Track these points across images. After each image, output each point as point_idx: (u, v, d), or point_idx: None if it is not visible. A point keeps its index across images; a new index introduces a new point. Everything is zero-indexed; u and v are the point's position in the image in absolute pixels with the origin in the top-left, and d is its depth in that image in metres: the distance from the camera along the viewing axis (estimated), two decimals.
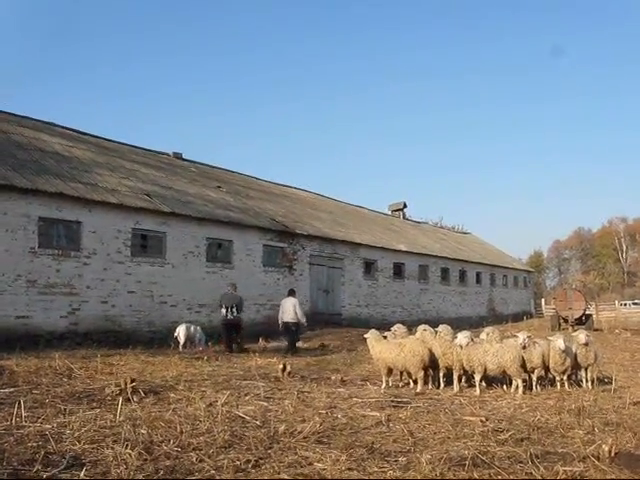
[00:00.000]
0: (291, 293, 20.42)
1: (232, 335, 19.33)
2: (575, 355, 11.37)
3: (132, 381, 9.59)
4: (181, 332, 19.68)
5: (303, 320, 19.44)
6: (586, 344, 11.24)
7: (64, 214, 19.64)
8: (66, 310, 19.45)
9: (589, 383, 11.46)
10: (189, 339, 19.83)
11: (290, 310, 19.24)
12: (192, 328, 20.16)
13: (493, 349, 10.61)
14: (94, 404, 8.57)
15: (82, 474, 5.19)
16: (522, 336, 10.94)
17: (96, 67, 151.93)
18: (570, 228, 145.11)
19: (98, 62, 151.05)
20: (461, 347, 10.53)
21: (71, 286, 19.63)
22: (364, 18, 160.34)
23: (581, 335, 11.55)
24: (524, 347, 10.75)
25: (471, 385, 11.12)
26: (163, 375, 12.17)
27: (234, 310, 19.24)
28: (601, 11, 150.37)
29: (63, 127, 27.64)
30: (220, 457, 5.82)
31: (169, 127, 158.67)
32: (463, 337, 10.60)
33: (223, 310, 19.31)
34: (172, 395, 9.57)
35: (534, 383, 11.14)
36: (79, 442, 6.24)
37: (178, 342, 19.49)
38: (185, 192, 26.40)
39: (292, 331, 19.26)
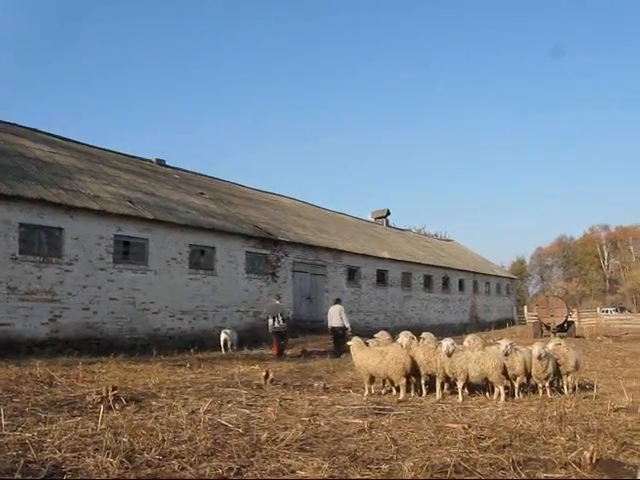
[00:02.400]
0: (337, 301, 22.45)
1: (281, 342, 21.22)
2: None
3: (114, 389, 9.55)
4: (228, 335, 22.55)
5: (347, 325, 20.99)
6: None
7: (45, 220, 19.49)
8: (47, 317, 19.28)
9: (569, 389, 11.55)
10: (230, 340, 22.54)
11: (337, 316, 21.13)
12: (230, 332, 22.88)
13: (475, 356, 10.64)
14: (75, 412, 8.51)
15: None
16: (504, 343, 10.99)
17: (80, 74, 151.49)
18: (552, 236, 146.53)
19: (82, 69, 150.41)
20: (449, 355, 10.55)
21: (52, 293, 19.47)
22: (353, 27, 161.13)
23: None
24: (506, 354, 10.81)
25: (454, 392, 11.13)
26: (145, 383, 12.11)
27: (280, 319, 21.00)
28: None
29: (45, 133, 27.45)
30: (202, 465, 5.79)
31: (152, 134, 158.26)
32: (450, 344, 10.61)
33: (270, 320, 21.16)
34: (154, 403, 9.53)
35: (516, 390, 11.19)
36: (60, 451, 6.19)
37: (225, 344, 22.35)
38: (168, 199, 26.31)
39: (339, 335, 20.56)
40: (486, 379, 10.78)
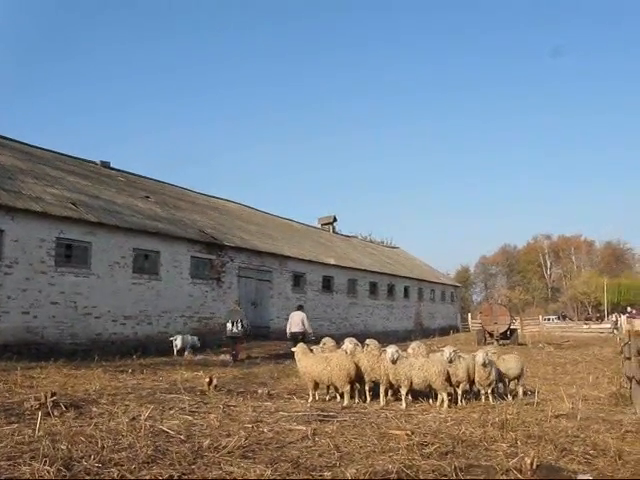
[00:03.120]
0: (300, 308, 23.14)
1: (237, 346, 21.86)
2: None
3: (53, 395, 9.34)
4: (178, 341, 22.96)
5: (310, 331, 21.68)
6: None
7: None
8: None
9: (504, 396, 11.75)
10: (184, 346, 23.02)
11: (298, 322, 21.72)
12: (188, 337, 23.60)
13: (419, 363, 10.71)
14: (12, 419, 8.28)
15: None
16: (448, 350, 11.10)
17: (28, 72, 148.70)
18: (496, 244, 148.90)
19: (29, 67, 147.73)
20: (393, 362, 10.59)
21: None
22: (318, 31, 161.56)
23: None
24: (451, 361, 10.92)
25: (398, 399, 11.19)
26: (86, 388, 11.90)
27: (239, 325, 21.54)
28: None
29: None
30: (142, 473, 5.69)
31: (97, 135, 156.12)
32: (394, 351, 10.65)
33: (229, 325, 21.62)
34: (94, 409, 9.34)
35: (459, 397, 11.30)
36: None
37: (174, 349, 22.77)
38: (112, 202, 25.92)
39: (298, 340, 19.96)
40: (429, 386, 10.86)
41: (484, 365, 11.09)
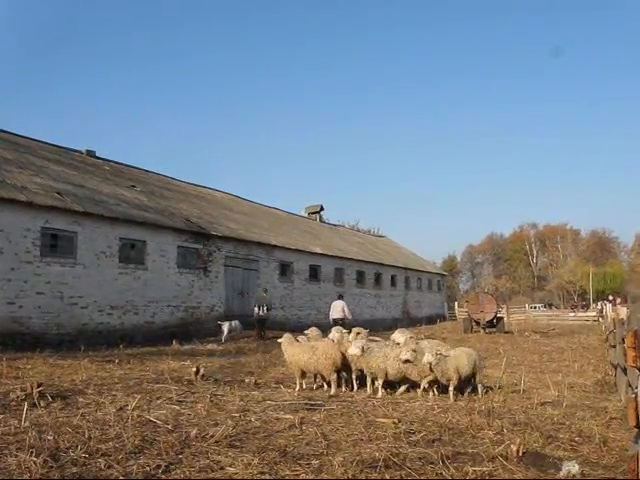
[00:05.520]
0: (340, 297, 26.20)
1: (262, 328, 25.63)
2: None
3: (39, 385, 9.30)
4: (225, 326, 24.81)
5: (350, 317, 24.57)
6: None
7: None
8: None
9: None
10: (231, 331, 24.91)
11: (339, 310, 24.62)
12: (233, 323, 25.39)
13: (394, 354, 10.57)
14: None
15: None
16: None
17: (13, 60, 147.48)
18: (483, 233, 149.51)
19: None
20: (358, 355, 10.54)
21: None
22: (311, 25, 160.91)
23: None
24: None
25: (386, 387, 11.14)
26: (72, 379, 11.85)
27: (264, 308, 25.64)
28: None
29: None
30: (129, 463, 5.69)
31: (82, 124, 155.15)
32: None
33: (256, 309, 25.71)
34: (81, 399, 9.31)
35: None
36: None
37: (222, 333, 24.68)
38: (98, 191, 25.77)
39: (340, 326, 20.34)
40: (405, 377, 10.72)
41: (406, 361, 10.29)
